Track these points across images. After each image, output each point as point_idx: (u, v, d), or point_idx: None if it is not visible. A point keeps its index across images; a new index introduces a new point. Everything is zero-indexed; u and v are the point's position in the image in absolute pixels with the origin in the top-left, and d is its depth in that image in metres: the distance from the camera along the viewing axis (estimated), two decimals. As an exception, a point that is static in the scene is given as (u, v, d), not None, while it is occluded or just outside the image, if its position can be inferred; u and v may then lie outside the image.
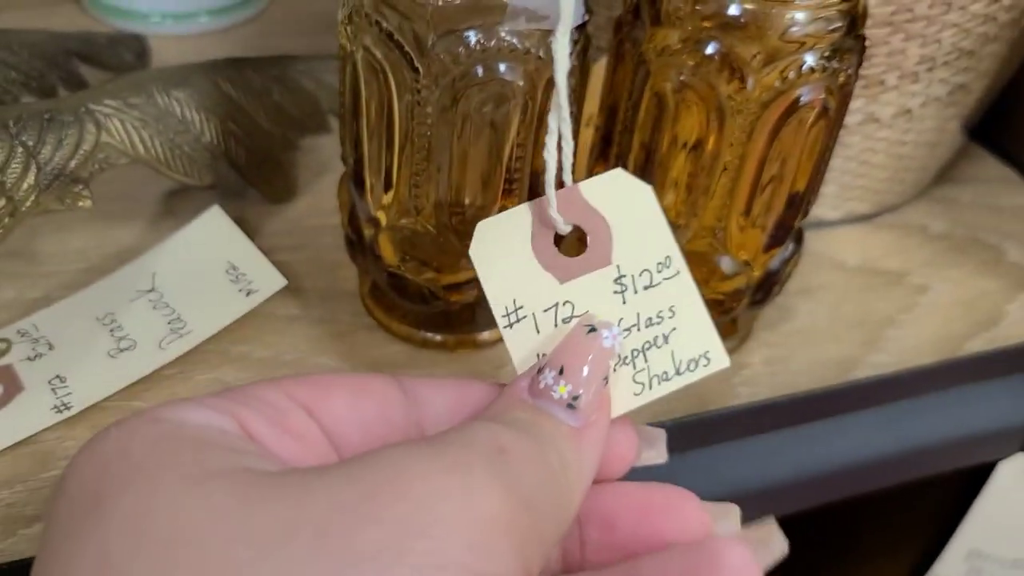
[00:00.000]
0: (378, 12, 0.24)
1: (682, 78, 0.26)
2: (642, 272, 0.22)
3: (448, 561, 0.15)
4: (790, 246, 0.30)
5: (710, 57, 0.26)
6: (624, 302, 0.22)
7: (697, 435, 0.31)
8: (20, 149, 0.25)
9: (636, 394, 0.22)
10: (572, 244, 0.23)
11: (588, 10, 0.25)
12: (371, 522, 0.15)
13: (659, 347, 0.22)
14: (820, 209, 0.38)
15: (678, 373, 0.22)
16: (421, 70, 0.24)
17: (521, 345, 0.22)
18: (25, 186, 0.25)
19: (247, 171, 0.34)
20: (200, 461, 0.16)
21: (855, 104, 0.34)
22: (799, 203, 0.28)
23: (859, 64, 0.27)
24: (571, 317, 0.22)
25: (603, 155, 0.30)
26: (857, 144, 0.36)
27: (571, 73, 0.25)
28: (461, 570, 0.15)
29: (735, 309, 0.30)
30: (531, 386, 0.20)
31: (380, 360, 0.31)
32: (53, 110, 0.27)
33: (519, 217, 0.23)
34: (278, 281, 0.31)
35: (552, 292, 0.22)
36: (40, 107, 0.27)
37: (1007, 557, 0.43)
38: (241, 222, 0.34)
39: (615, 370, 0.22)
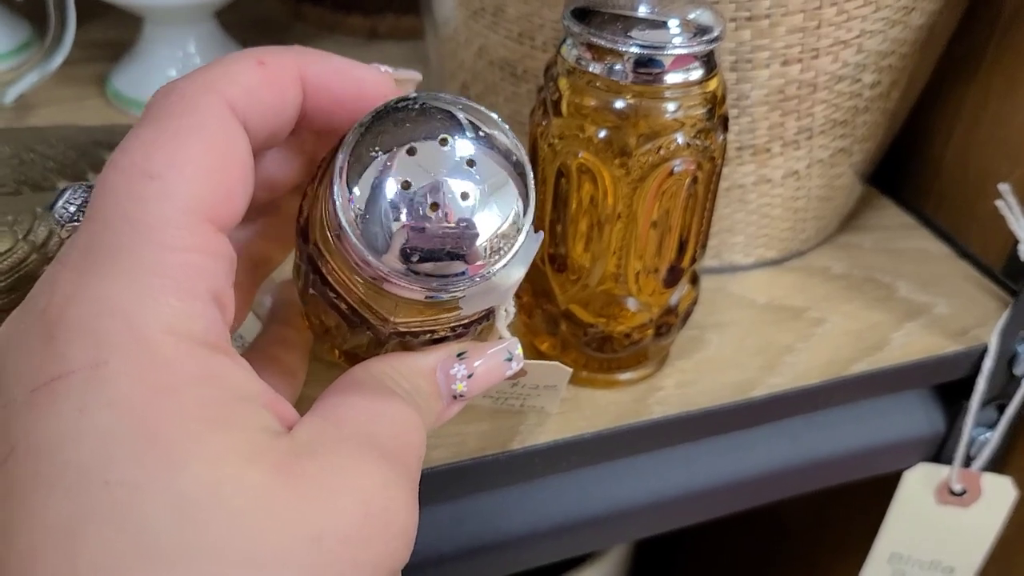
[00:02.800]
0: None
1: (580, 155, 0.33)
2: (535, 385, 0.32)
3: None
4: (685, 286, 0.36)
5: (601, 140, 0.32)
6: (512, 387, 0.32)
7: (616, 446, 0.37)
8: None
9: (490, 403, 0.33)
10: None
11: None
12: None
13: (515, 399, 0.33)
14: (733, 256, 0.45)
15: (521, 407, 0.34)
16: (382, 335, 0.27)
17: None
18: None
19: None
20: (220, 452, 0.19)
21: (748, 168, 0.41)
22: (685, 250, 0.35)
23: (724, 139, 0.34)
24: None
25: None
26: (755, 201, 0.42)
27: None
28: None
29: (642, 341, 0.36)
30: (443, 366, 0.26)
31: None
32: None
33: None
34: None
35: None
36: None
37: (925, 559, 0.49)
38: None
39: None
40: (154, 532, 0.18)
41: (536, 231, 0.26)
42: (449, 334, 0.27)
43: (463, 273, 0.24)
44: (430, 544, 0.37)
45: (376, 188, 0.23)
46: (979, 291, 0.45)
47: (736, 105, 0.39)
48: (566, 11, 0.32)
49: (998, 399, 0.44)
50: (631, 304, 0.36)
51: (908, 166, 0.52)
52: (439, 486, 0.35)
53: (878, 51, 0.39)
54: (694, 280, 0.37)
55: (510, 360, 0.27)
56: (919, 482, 0.46)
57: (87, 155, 0.45)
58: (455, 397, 0.26)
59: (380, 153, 0.24)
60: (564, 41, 0.33)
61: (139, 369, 0.19)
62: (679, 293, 0.36)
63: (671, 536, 0.82)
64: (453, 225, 0.24)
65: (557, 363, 0.32)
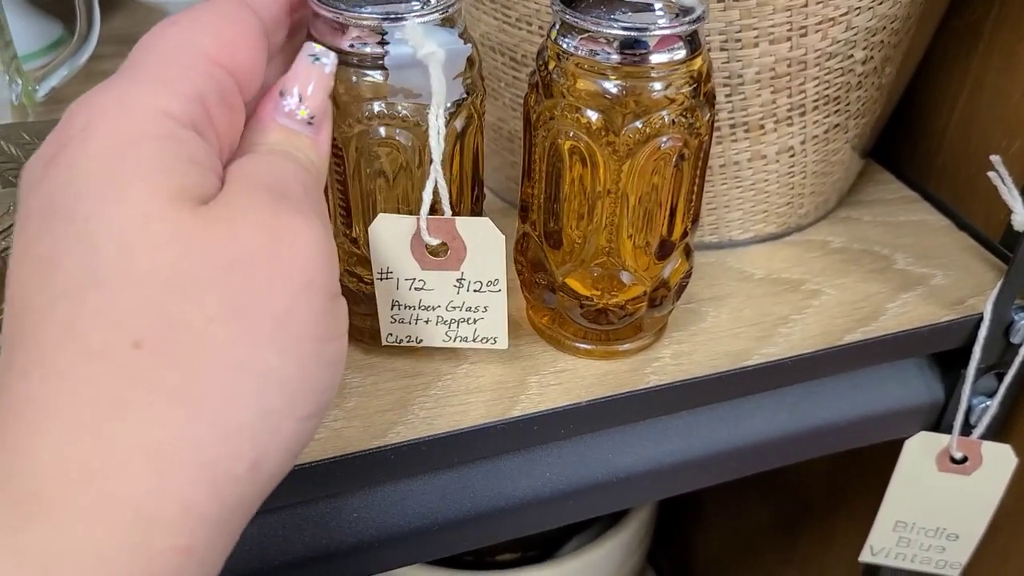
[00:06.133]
0: None
1: (571, 135, 0.34)
2: (476, 281, 0.34)
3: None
4: (677, 259, 0.38)
5: (590, 120, 0.34)
6: (458, 293, 0.35)
7: (613, 414, 0.39)
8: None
9: (443, 340, 0.37)
10: (440, 247, 0.34)
11: (467, 91, 0.34)
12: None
13: (468, 323, 0.36)
14: (731, 232, 0.46)
15: (473, 340, 0.36)
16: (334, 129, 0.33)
17: (385, 293, 0.35)
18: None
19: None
20: (156, 188, 0.23)
21: (742, 145, 0.42)
22: (675, 224, 0.36)
23: (710, 116, 0.35)
24: (423, 288, 0.34)
25: (529, 179, 0.38)
26: (750, 177, 0.43)
27: (448, 135, 0.34)
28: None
29: (637, 312, 0.38)
30: (277, 110, 0.28)
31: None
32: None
33: (407, 221, 0.34)
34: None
35: (413, 271, 0.34)
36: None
37: (929, 526, 0.50)
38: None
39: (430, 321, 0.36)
40: (102, 259, 0.22)
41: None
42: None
43: (388, 15, 0.32)
44: (437, 509, 0.39)
45: None
46: (978, 261, 0.46)
47: (727, 83, 0.40)
48: (554, -4, 0.34)
49: (997, 367, 0.45)
50: (625, 277, 0.37)
51: (911, 140, 0.53)
52: (443, 454, 0.37)
53: (867, 27, 0.40)
54: (687, 253, 0.39)
55: (317, 58, 0.30)
56: (920, 450, 0.47)
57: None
58: (310, 123, 0.29)
59: None
60: (553, 25, 0.34)
61: (115, 126, 0.24)
62: (671, 266, 0.38)
63: (692, 504, 0.83)
64: None
65: (486, 219, 0.34)
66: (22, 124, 0.45)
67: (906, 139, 0.53)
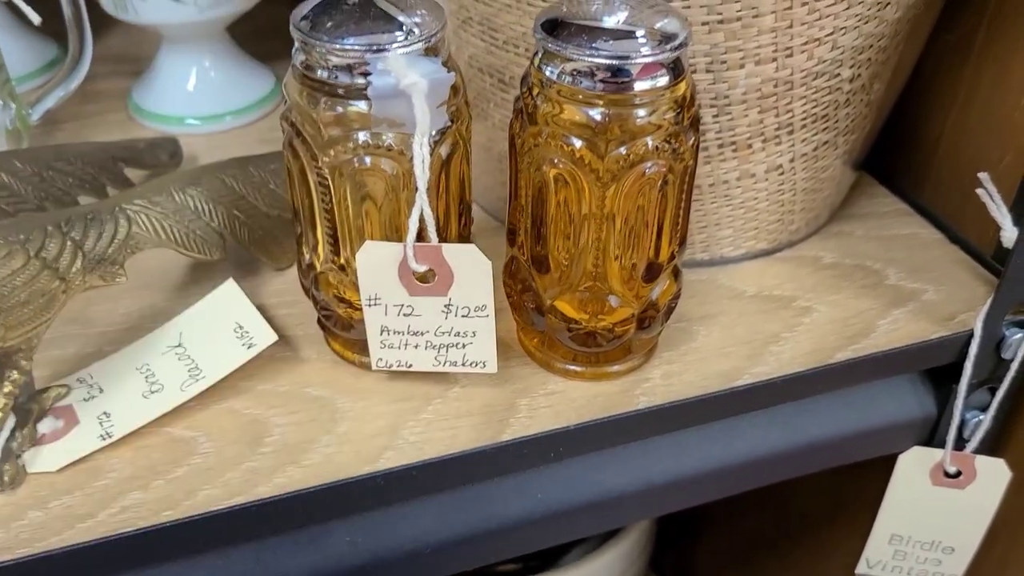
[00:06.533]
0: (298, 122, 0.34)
1: (555, 162, 0.34)
2: (464, 307, 0.35)
3: None
4: (665, 281, 0.38)
5: (574, 147, 0.34)
6: (446, 318, 0.35)
7: (603, 436, 0.39)
8: (69, 242, 0.35)
9: (433, 365, 0.37)
10: (428, 273, 0.35)
11: (452, 118, 0.34)
12: None
13: (457, 348, 0.36)
14: (722, 249, 0.46)
15: (462, 364, 0.37)
16: (320, 158, 0.34)
17: (374, 319, 0.36)
18: (74, 270, 0.34)
19: (251, 246, 0.43)
20: None
21: (731, 164, 0.42)
22: (661, 247, 0.36)
23: (695, 140, 0.35)
24: (411, 314, 0.35)
25: (515, 201, 0.38)
26: (740, 196, 0.43)
27: (434, 163, 0.34)
28: None
29: (625, 335, 0.38)
30: None
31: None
32: (94, 211, 0.36)
33: (394, 249, 0.34)
34: (271, 336, 0.40)
35: (402, 297, 0.35)
36: (84, 209, 0.37)
37: (925, 539, 0.50)
38: (247, 286, 0.43)
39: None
40: None
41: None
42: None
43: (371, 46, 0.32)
44: (429, 533, 0.39)
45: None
46: (969, 276, 0.46)
47: (714, 104, 0.40)
48: (536, 24, 0.34)
49: (989, 382, 0.45)
50: (612, 300, 0.37)
51: (904, 151, 0.53)
52: (434, 478, 0.37)
53: (853, 46, 0.40)
54: (676, 275, 0.39)
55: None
56: (913, 464, 0.47)
57: (106, 170, 0.47)
58: None
59: None
60: (536, 53, 0.34)
61: None
62: (659, 288, 0.38)
63: (694, 512, 0.83)
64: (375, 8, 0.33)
65: (473, 246, 0.35)
66: (14, 152, 0.45)
67: (899, 150, 0.53)
